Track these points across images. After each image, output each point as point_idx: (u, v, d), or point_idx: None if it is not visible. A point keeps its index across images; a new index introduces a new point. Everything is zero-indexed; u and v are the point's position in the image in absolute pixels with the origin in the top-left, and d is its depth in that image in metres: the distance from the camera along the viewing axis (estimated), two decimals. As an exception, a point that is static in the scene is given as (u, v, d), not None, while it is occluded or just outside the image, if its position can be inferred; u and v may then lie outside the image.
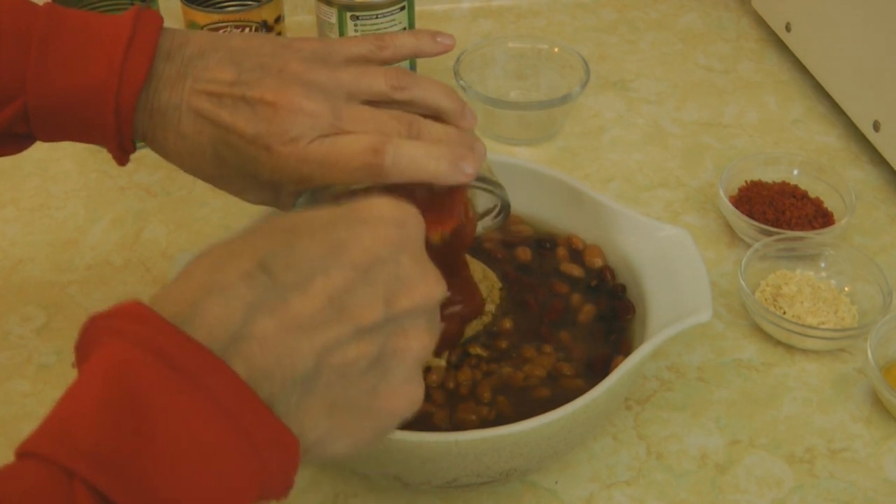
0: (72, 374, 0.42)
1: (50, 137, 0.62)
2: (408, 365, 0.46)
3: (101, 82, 0.60)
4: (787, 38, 1.11)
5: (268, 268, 0.42)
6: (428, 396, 0.65)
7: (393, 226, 0.46)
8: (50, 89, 0.60)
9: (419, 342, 0.46)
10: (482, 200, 0.68)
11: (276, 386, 0.42)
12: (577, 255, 0.78)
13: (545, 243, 0.78)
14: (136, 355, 0.39)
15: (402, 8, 0.96)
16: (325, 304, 0.43)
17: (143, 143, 0.64)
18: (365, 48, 0.62)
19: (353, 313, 0.43)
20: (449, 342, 0.67)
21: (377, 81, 0.59)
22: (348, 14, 0.95)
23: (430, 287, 0.46)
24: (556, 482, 0.69)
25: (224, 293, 0.41)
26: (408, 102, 0.60)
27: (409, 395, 0.46)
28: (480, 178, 0.62)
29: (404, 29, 0.99)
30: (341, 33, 0.96)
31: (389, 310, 0.44)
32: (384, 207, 0.47)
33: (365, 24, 0.95)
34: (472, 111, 0.63)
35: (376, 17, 0.95)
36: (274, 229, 0.45)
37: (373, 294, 0.44)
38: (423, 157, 0.57)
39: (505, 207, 0.67)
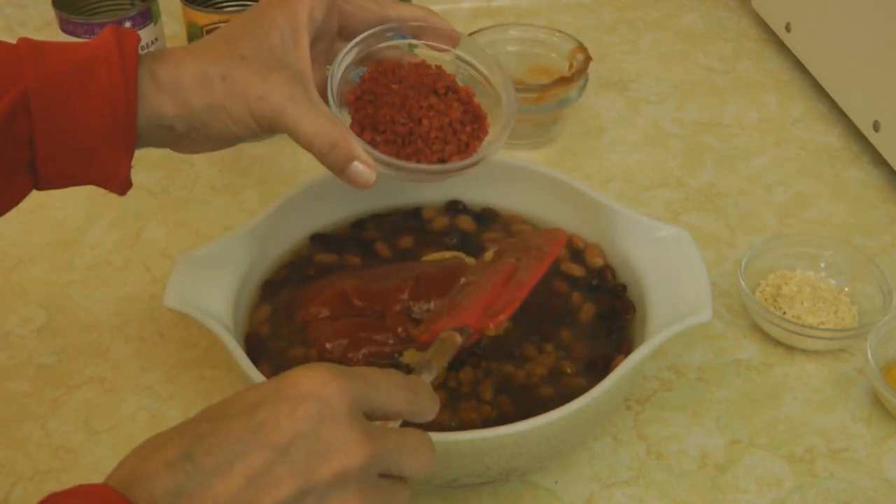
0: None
1: (52, 132, 0.61)
2: None
3: (102, 45, 0.61)
4: (787, 38, 1.11)
5: (191, 456, 0.45)
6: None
7: (313, 401, 0.47)
8: (49, 66, 0.60)
9: None
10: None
11: None
12: (577, 254, 0.78)
13: None
14: None
15: (402, 8, 0.96)
16: (244, 485, 0.45)
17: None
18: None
19: (271, 492, 0.45)
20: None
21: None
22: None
23: (350, 455, 0.47)
24: (556, 482, 0.69)
25: (150, 482, 0.44)
26: None
27: None
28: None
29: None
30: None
31: (308, 483, 0.46)
32: (307, 383, 0.48)
33: None
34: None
35: None
36: (203, 417, 0.48)
37: (290, 470, 0.46)
38: None
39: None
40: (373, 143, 0.67)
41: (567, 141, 1.01)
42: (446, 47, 0.72)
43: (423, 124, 0.68)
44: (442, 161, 0.68)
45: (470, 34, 1.01)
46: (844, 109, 1.01)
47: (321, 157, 0.64)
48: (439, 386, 0.68)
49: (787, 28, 1.10)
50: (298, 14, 0.64)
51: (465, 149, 0.69)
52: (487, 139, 0.70)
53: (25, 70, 0.60)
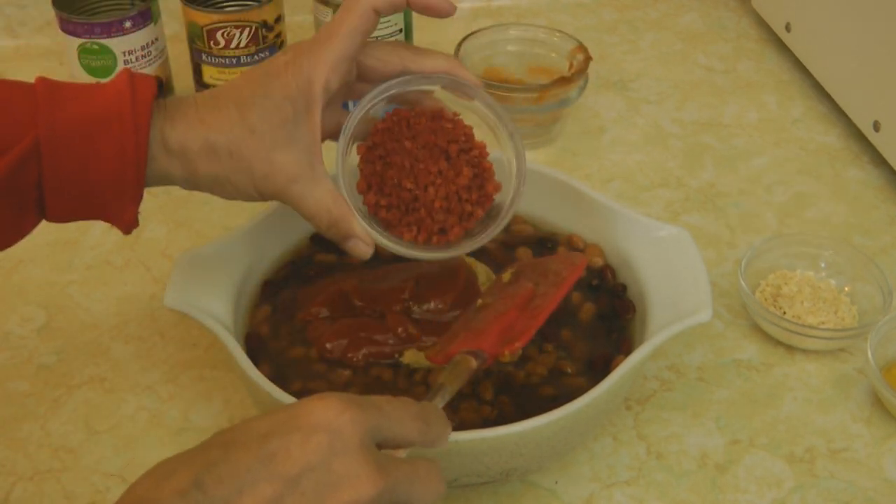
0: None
1: (60, 181, 0.61)
2: None
3: (116, 97, 0.61)
4: (787, 38, 1.11)
5: (201, 484, 0.45)
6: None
7: (324, 432, 0.47)
8: (62, 115, 0.60)
9: None
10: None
11: None
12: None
13: (546, 243, 0.79)
14: None
15: (401, 8, 0.96)
16: None
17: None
18: None
19: None
20: None
21: None
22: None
23: (361, 489, 0.46)
24: (556, 482, 0.69)
25: None
26: None
27: None
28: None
29: (400, 31, 0.99)
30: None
31: None
32: (319, 413, 0.48)
33: None
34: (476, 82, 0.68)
35: None
36: (213, 443, 0.47)
37: (300, 502, 0.45)
38: None
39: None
40: (376, 207, 0.68)
41: (567, 141, 1.01)
42: (466, 98, 0.70)
43: (429, 192, 0.67)
44: (442, 231, 0.68)
45: (470, 34, 1.01)
46: (844, 109, 1.01)
47: (322, 231, 0.67)
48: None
49: (787, 28, 1.10)
50: (314, 87, 0.64)
51: (468, 218, 0.69)
52: (490, 229, 0.69)
53: (39, 118, 0.60)
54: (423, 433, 0.51)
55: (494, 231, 0.69)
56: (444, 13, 0.67)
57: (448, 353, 0.63)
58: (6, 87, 0.62)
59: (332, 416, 0.47)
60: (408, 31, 1.00)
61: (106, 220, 0.65)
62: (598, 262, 0.77)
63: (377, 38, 0.95)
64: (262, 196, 0.65)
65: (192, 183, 0.65)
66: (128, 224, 0.65)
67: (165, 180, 0.65)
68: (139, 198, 0.64)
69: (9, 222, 0.62)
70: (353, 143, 0.68)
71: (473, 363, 0.61)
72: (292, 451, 0.46)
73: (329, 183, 0.66)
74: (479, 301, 0.70)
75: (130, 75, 0.63)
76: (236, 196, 0.66)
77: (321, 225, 0.66)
